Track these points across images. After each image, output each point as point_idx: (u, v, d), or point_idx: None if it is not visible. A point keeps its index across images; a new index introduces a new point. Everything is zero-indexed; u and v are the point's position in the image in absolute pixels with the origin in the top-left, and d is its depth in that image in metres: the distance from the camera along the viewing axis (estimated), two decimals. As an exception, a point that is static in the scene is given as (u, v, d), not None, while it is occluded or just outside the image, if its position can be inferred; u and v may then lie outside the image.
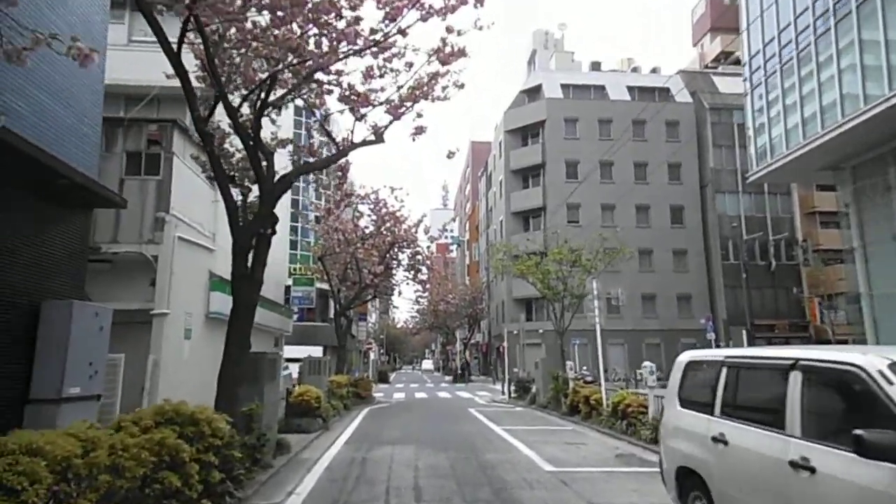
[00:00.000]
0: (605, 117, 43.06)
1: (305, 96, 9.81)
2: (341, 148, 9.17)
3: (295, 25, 7.41)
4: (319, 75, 9.20)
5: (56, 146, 9.02)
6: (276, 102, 8.51)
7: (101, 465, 3.87)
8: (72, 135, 9.65)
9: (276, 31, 7.33)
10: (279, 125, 10.64)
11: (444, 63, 8.38)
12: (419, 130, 8.89)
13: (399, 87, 8.98)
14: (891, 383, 3.20)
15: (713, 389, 4.79)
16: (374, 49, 8.26)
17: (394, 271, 25.20)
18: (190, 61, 9.15)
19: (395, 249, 23.27)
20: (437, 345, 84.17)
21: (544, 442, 11.80)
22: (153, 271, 12.97)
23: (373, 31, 7.85)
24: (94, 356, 9.30)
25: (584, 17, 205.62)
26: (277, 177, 8.71)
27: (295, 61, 8.43)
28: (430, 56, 8.48)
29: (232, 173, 10.18)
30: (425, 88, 8.95)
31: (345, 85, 9.30)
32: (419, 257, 24.52)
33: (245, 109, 9.16)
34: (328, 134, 9.47)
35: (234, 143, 10.47)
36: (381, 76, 8.77)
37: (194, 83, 8.52)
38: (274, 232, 8.69)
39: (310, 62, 8.08)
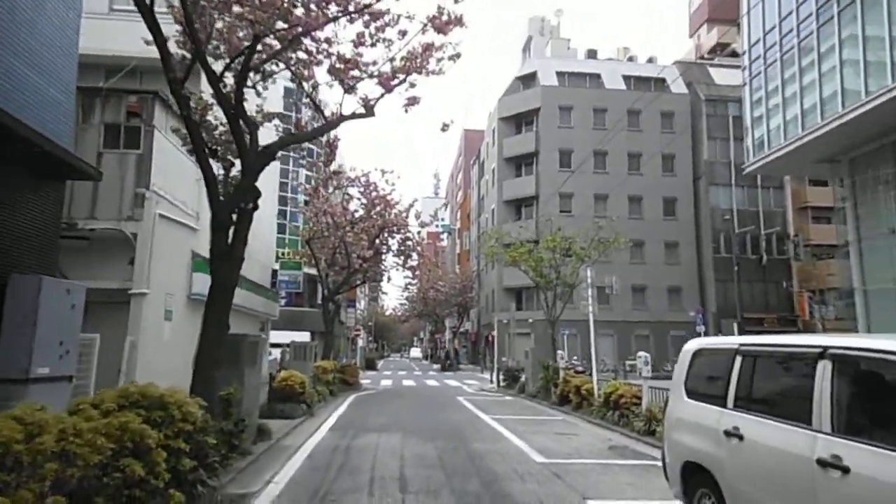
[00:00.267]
0: (600, 106, 42.65)
1: (294, 67, 9.32)
2: (329, 120, 8.70)
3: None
4: (308, 43, 8.72)
5: (24, 111, 8.48)
6: (258, 66, 8.00)
7: (48, 452, 3.45)
8: (42, 100, 9.10)
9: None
10: (265, 97, 10.12)
11: (439, 31, 7.92)
12: (412, 101, 8.43)
13: (391, 58, 8.51)
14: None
15: (725, 379, 4.42)
16: (366, 15, 7.78)
17: (383, 256, 24.75)
18: (172, 28, 8.63)
19: (385, 234, 22.82)
20: (425, 333, 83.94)
21: (535, 432, 11.47)
22: (132, 249, 12.46)
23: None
24: (66, 335, 8.84)
25: (580, 6, 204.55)
26: (260, 149, 8.23)
27: (281, 26, 7.95)
28: (424, 24, 8.01)
29: (214, 147, 9.68)
30: (419, 60, 8.48)
31: (334, 56, 8.84)
32: (409, 243, 24.07)
33: (230, 81, 8.67)
34: (316, 105, 8.99)
35: (217, 116, 9.96)
36: (373, 45, 8.29)
37: (175, 49, 8.01)
38: (256, 207, 8.22)
39: (297, 27, 7.60)
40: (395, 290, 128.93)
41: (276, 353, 17.88)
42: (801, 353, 3.77)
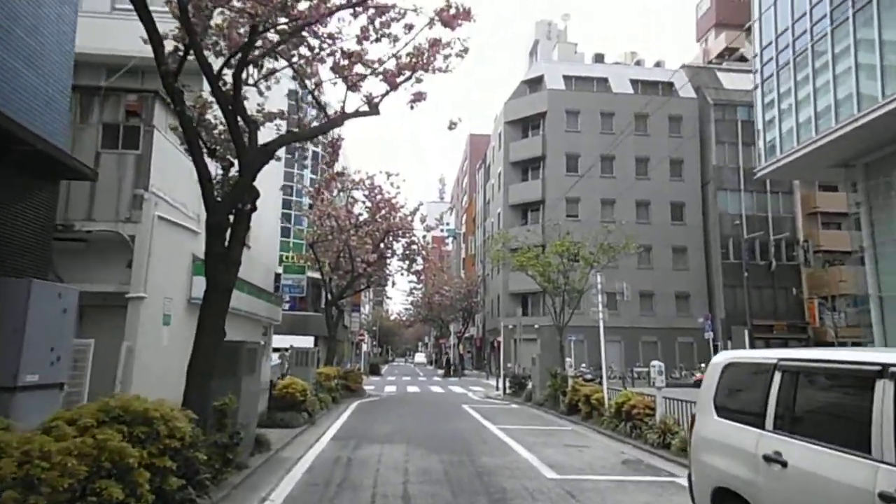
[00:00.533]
0: (607, 110, 42.24)
1: (296, 65, 8.98)
2: (332, 118, 8.34)
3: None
4: (311, 39, 8.38)
5: (17, 109, 8.17)
6: (256, 60, 7.65)
7: (7, 479, 3.07)
8: (36, 98, 8.79)
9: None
10: (266, 97, 9.78)
11: (446, 25, 7.55)
12: (418, 97, 8.06)
13: (396, 54, 8.15)
14: None
15: (762, 397, 4.01)
16: (371, 8, 7.43)
17: (388, 261, 24.36)
18: (171, 25, 8.29)
19: (390, 238, 22.44)
20: (430, 338, 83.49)
21: (544, 444, 11.04)
22: (130, 252, 12.14)
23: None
24: (57, 341, 8.48)
25: (587, 11, 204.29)
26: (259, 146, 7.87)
27: (283, 21, 7.61)
28: (432, 18, 7.65)
29: (213, 146, 9.33)
30: (426, 56, 8.12)
31: (338, 53, 8.50)
32: (414, 247, 23.67)
33: (230, 79, 8.32)
34: (318, 102, 8.64)
35: (217, 116, 9.62)
36: (378, 40, 7.93)
37: (173, 45, 7.66)
38: (254, 208, 7.86)
39: (299, 21, 7.25)
40: (399, 295, 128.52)
41: (277, 357, 17.48)
42: (856, 371, 3.36)
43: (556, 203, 38.97)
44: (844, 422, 3.42)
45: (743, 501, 3.97)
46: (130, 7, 6.93)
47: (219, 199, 7.48)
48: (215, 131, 9.48)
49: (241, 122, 8.05)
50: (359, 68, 8.42)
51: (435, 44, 8.01)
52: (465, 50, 7.79)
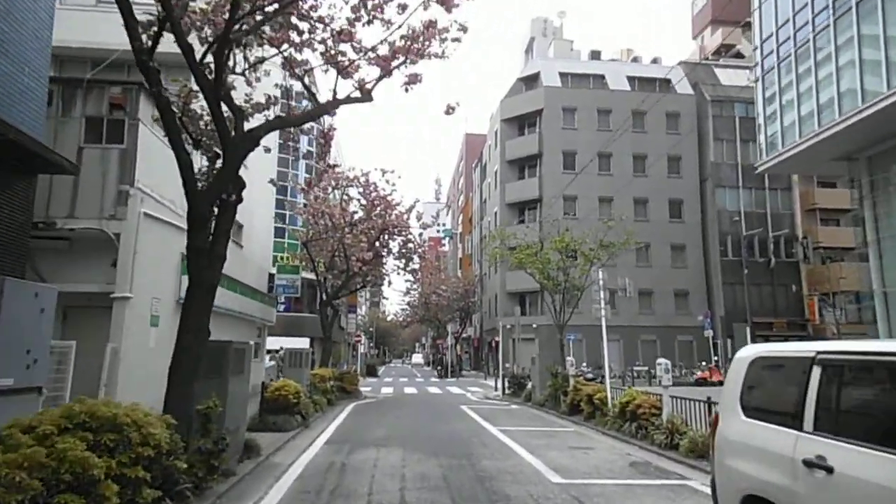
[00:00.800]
0: (604, 107, 41.91)
1: (286, 51, 8.54)
2: (323, 104, 7.91)
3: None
4: (299, 24, 7.95)
5: (-12, 97, 7.73)
6: (239, 39, 7.20)
7: (-64, 499, 2.65)
8: (9, 86, 8.34)
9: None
10: (254, 87, 9.33)
11: (443, 3, 7.13)
12: (413, 79, 7.63)
13: (389, 39, 7.73)
14: None
15: (799, 396, 3.60)
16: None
17: (384, 259, 23.91)
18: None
19: (386, 236, 22.00)
20: (427, 338, 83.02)
21: (547, 446, 10.61)
22: (115, 250, 11.68)
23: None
24: (34, 343, 7.99)
25: (583, 9, 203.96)
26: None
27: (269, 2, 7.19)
28: (426, -2, 7.22)
29: (199, 138, 8.88)
30: (421, 39, 7.70)
31: (329, 40, 8.06)
32: (411, 245, 23.24)
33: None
34: (307, 89, 8.21)
35: (204, 107, 9.17)
36: (370, 21, 7.51)
37: (146, 18, 7.16)
38: (240, 199, 7.42)
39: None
40: (396, 295, 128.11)
41: (270, 359, 17.01)
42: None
43: (553, 201, 38.58)
44: (901, 422, 3.01)
45: (778, 511, 3.56)
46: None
47: (199, 186, 7.01)
48: (201, 122, 9.03)
49: (225, 110, 7.60)
50: (351, 53, 7.99)
51: (430, 26, 7.59)
52: (464, 29, 7.37)
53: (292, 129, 9.27)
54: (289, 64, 8.70)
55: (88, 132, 12.14)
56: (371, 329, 63.90)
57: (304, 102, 10.14)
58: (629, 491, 7.25)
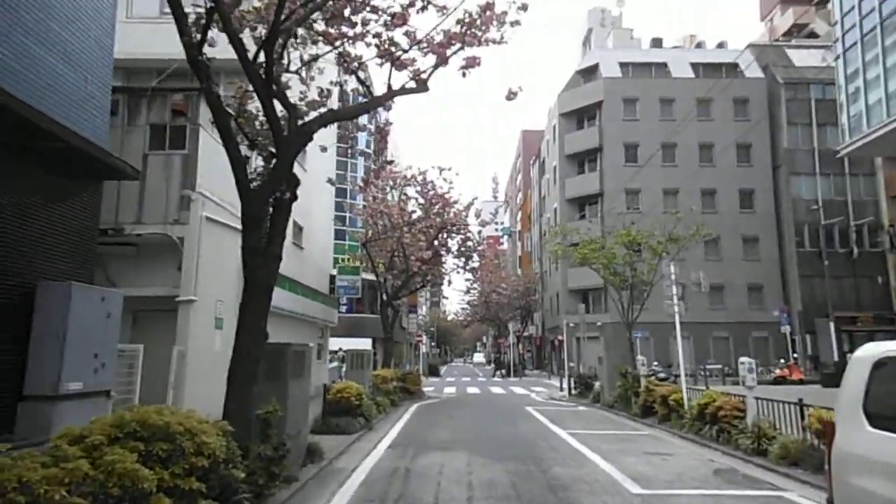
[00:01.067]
0: (667, 96, 40.32)
1: (339, 47, 8.32)
2: (377, 96, 7.64)
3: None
4: (352, 16, 7.69)
5: (54, 106, 7.83)
6: (290, 29, 6.97)
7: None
8: (73, 94, 8.45)
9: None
10: (308, 86, 9.14)
11: (500, -18, 6.72)
12: (471, 62, 7.23)
13: (444, 28, 7.37)
14: None
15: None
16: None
17: (443, 258, 23.64)
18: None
19: (444, 235, 21.71)
20: (488, 337, 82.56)
21: (621, 451, 10.00)
22: (180, 254, 11.85)
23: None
24: (101, 347, 8.10)
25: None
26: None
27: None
28: (483, -22, 6.82)
29: (255, 139, 8.78)
30: (479, 23, 7.31)
31: (383, 34, 7.78)
32: (470, 244, 22.87)
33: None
34: (362, 83, 7.96)
35: (259, 108, 9.09)
36: (424, 8, 7.17)
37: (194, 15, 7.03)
38: (294, 197, 7.21)
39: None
40: (456, 295, 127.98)
41: (333, 360, 16.99)
42: None
43: (615, 195, 37.43)
44: None
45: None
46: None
47: (252, 184, 6.84)
48: (256, 122, 8.93)
49: (280, 110, 7.43)
50: (404, 44, 7.66)
51: (488, 8, 7.18)
52: (524, 7, 6.91)
53: (350, 127, 9.03)
54: (342, 59, 8.48)
55: (153, 139, 12.39)
56: (432, 329, 63.98)
57: (360, 99, 9.91)
58: (717, 502, 6.62)
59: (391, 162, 10.44)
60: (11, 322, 7.18)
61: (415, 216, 20.92)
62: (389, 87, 7.63)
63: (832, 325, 26.38)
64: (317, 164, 19.54)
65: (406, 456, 9.49)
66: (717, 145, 39.01)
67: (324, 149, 9.38)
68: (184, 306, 11.60)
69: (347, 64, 8.49)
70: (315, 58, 8.87)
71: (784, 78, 39.44)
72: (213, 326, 12.45)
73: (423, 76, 7.61)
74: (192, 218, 11.90)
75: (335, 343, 25.89)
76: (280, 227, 6.96)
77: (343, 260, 28.27)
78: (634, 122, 40.16)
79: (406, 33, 7.35)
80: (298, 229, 19.49)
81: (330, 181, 13.28)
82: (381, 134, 9.23)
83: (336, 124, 9.82)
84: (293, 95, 8.65)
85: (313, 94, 9.04)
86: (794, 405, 9.24)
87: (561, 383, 25.71)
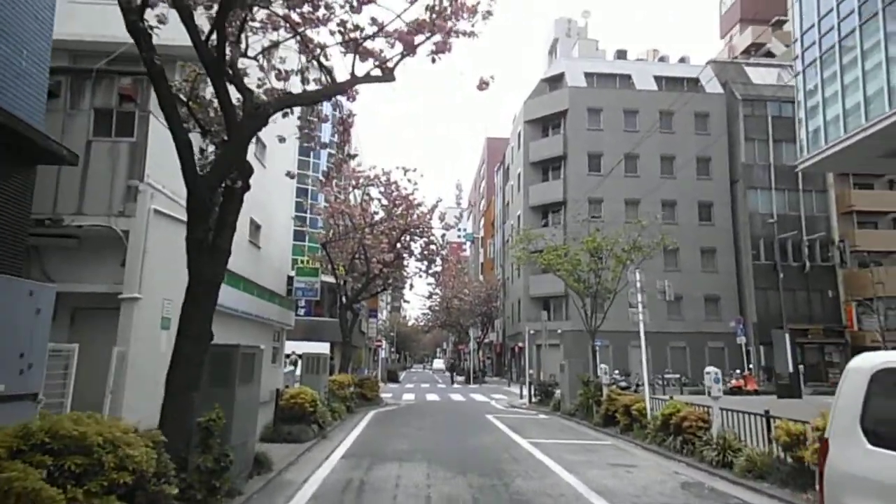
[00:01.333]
0: (630, 108, 40.78)
1: (299, 29, 7.82)
2: (340, 82, 7.17)
3: None
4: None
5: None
6: (244, 2, 6.45)
7: None
8: (7, 70, 7.75)
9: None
10: (267, 73, 8.61)
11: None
12: (441, 47, 6.84)
13: (409, 7, 6.96)
14: None
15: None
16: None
17: (405, 261, 23.15)
18: None
19: (407, 237, 21.24)
20: (448, 344, 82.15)
21: (585, 462, 9.69)
22: (124, 249, 11.10)
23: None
24: (29, 345, 7.33)
25: (607, 8, 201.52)
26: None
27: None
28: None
29: (208, 127, 8.19)
30: (448, 13, 6.92)
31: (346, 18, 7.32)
32: (433, 247, 22.45)
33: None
34: (323, 67, 7.48)
35: (213, 92, 8.50)
36: (392, -9, 6.74)
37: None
38: (247, 186, 6.67)
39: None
40: (417, 300, 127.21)
41: (289, 363, 16.31)
42: None
43: (578, 204, 37.56)
44: None
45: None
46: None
47: (198, 170, 6.28)
48: (210, 109, 8.35)
49: (234, 94, 6.90)
50: (369, 29, 7.22)
51: (458, -4, 6.80)
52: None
53: (314, 120, 8.51)
54: (304, 45, 7.98)
55: (98, 125, 11.61)
56: (392, 334, 63.21)
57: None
58: (687, 519, 6.35)
59: (354, 156, 9.93)
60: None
61: (377, 217, 20.41)
62: (353, 74, 7.17)
63: (787, 336, 26.88)
64: (277, 162, 18.86)
65: (361, 467, 8.97)
66: (679, 158, 39.62)
67: (282, 139, 8.83)
68: (127, 304, 10.85)
69: (310, 50, 8.00)
70: (276, 44, 8.35)
71: (742, 94, 40.38)
72: (159, 326, 11.70)
73: (390, 65, 7.17)
74: (138, 210, 11.17)
75: (292, 347, 25.10)
76: (230, 219, 6.41)
77: (302, 261, 27.50)
78: (598, 132, 40.48)
79: (372, 19, 6.88)
80: (256, 228, 18.76)
81: (289, 174, 12.68)
82: (344, 126, 8.75)
83: (297, 118, 9.33)
84: (251, 83, 8.12)
85: (273, 83, 8.52)
86: (759, 416, 9.10)
87: (521, 391, 25.47)
